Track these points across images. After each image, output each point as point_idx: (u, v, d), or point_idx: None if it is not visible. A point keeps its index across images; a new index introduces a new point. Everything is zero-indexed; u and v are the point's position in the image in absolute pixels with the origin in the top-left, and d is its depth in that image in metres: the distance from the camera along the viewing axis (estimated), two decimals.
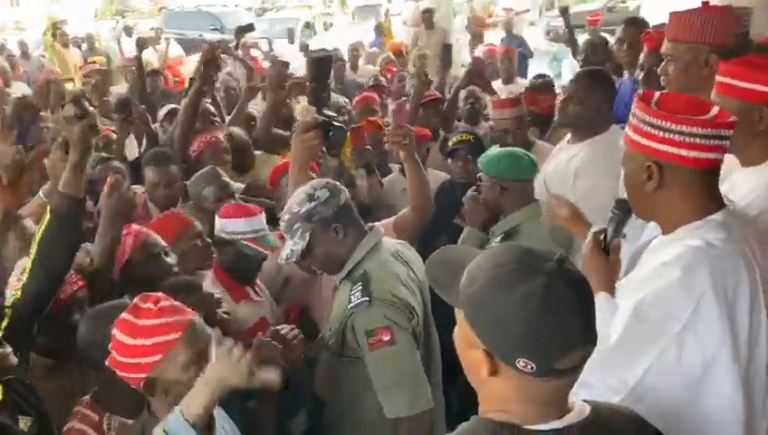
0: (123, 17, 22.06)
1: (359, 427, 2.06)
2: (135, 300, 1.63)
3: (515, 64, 5.98)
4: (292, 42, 11.87)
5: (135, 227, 2.37)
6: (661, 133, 1.47)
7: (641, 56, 3.37)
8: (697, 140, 1.46)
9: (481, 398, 1.15)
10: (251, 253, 2.44)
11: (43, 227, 1.89)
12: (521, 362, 1.03)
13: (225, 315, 2.17)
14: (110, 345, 1.60)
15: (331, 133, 2.17)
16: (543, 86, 4.18)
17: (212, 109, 4.05)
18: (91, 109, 1.85)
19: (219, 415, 1.64)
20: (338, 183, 2.14)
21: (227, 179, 3.06)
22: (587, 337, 1.06)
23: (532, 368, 1.03)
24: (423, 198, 2.58)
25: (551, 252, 1.09)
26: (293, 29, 12.65)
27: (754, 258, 1.54)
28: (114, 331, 1.59)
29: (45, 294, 1.92)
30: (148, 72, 6.14)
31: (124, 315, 1.59)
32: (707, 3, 2.42)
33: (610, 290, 1.65)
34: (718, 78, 1.93)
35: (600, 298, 1.60)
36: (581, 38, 5.99)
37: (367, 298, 1.96)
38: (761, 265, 1.56)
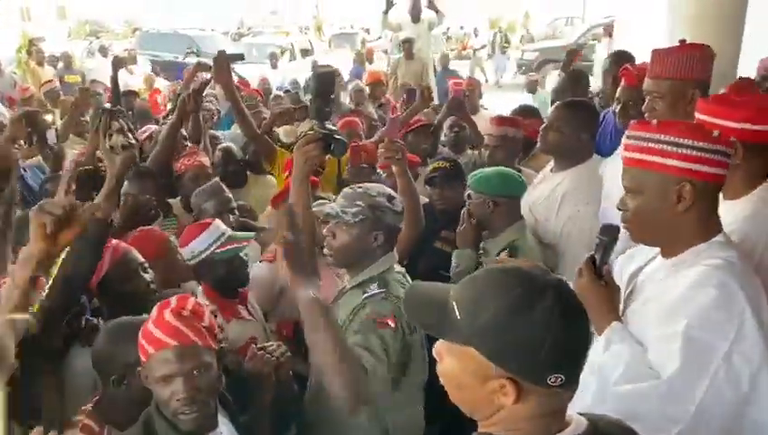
0: (97, 37, 21.91)
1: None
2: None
3: (478, 95, 6.12)
4: (275, 67, 11.89)
5: (114, 241, 2.36)
6: (690, 151, 1.50)
7: (618, 90, 3.46)
8: (719, 157, 1.52)
9: (487, 423, 1.12)
10: (228, 256, 2.45)
11: (69, 249, 1.86)
12: (551, 379, 1.03)
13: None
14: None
15: (332, 147, 2.21)
16: (529, 111, 4.29)
17: (183, 132, 4.11)
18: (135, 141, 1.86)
19: (226, 427, 1.69)
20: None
21: (229, 195, 3.14)
22: (589, 344, 1.11)
23: (562, 380, 1.04)
24: (415, 212, 2.62)
25: (538, 266, 1.13)
26: (276, 54, 12.62)
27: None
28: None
29: (59, 312, 1.95)
30: (124, 92, 6.13)
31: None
32: (685, 41, 2.53)
33: (617, 316, 1.65)
34: (697, 115, 2.00)
35: (616, 329, 1.61)
36: (553, 73, 6.16)
37: (383, 290, 2.01)
38: None
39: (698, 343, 1.47)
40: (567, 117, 2.94)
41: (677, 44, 2.51)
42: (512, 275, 1.09)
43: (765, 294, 1.59)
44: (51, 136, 4.11)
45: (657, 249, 1.71)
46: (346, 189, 2.17)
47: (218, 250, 2.45)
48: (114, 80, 5.60)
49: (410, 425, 2.20)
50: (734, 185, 1.98)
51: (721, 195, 2.01)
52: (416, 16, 8.25)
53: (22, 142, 3.93)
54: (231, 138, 4.88)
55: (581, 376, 1.09)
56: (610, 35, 14.05)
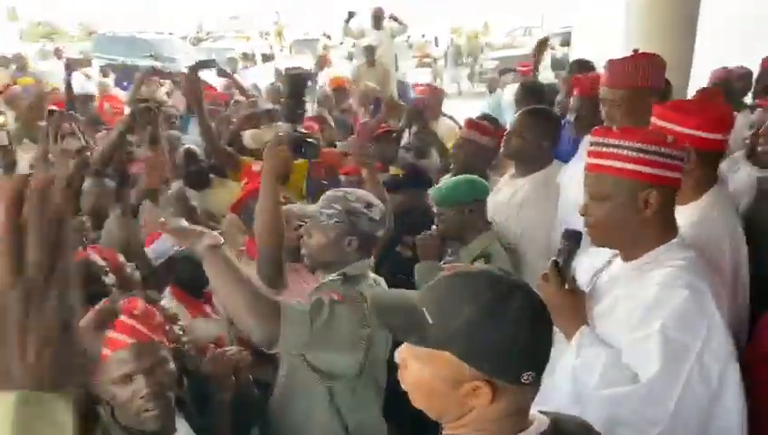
0: (51, 40, 21.39)
1: None
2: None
3: (439, 103, 6.18)
4: (234, 71, 11.76)
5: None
6: (655, 157, 1.53)
7: (571, 100, 3.52)
8: (678, 163, 1.57)
9: (454, 425, 1.12)
10: (187, 253, 2.41)
11: None
12: (524, 376, 1.05)
13: (180, 332, 2.15)
14: None
15: (303, 149, 2.20)
16: (490, 119, 4.34)
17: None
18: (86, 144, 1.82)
19: (183, 428, 1.68)
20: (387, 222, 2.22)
21: (193, 204, 3.20)
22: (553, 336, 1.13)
23: (533, 377, 1.06)
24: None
25: (500, 269, 1.15)
26: (235, 59, 12.51)
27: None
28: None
29: None
30: (80, 96, 5.99)
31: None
32: (638, 50, 2.61)
33: (585, 320, 1.67)
34: (653, 120, 2.06)
35: (585, 333, 1.63)
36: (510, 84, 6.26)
37: (342, 278, 2.00)
38: None
39: (674, 344, 1.49)
40: (530, 124, 2.98)
41: (631, 54, 2.59)
42: (480, 278, 1.10)
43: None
44: (2, 138, 4.00)
45: (614, 251, 1.74)
46: (329, 192, 2.18)
47: (178, 249, 2.47)
48: (68, 82, 5.49)
49: (372, 426, 2.21)
50: (683, 191, 2.03)
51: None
52: (377, 24, 8.30)
53: None
54: (194, 140, 4.82)
55: (553, 379, 1.11)
56: (568, 44, 14.38)
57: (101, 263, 2.34)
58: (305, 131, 2.23)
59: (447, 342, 1.06)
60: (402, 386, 1.16)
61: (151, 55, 14.54)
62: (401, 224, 3.22)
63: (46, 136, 3.43)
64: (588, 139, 1.72)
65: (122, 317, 1.62)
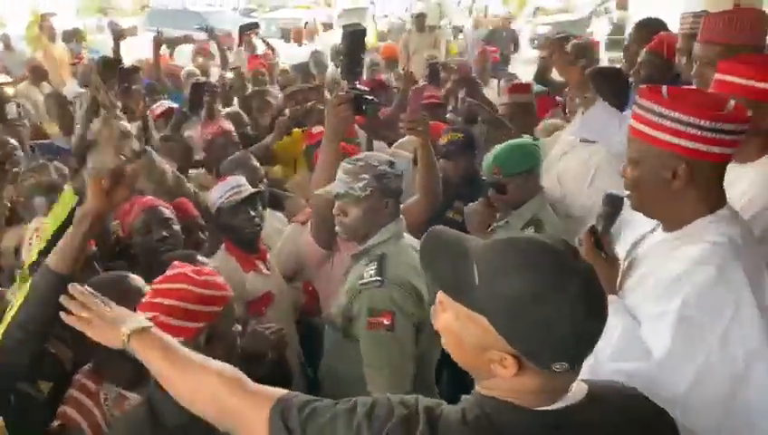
0: (106, 15, 21.81)
1: None
2: (179, 265, 1.71)
3: (489, 68, 6.04)
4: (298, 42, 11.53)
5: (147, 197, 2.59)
6: (692, 130, 1.44)
7: (640, 55, 3.39)
8: (723, 136, 1.46)
9: (486, 384, 1.11)
10: (230, 205, 2.52)
11: (21, 299, 1.63)
12: (556, 366, 1.02)
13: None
14: (157, 298, 1.62)
15: (364, 107, 2.19)
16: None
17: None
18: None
19: None
20: None
21: (256, 164, 3.21)
22: (602, 330, 1.06)
23: (566, 368, 1.03)
24: (433, 184, 2.63)
25: (569, 247, 1.07)
26: (293, 30, 12.24)
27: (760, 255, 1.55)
28: (173, 284, 1.63)
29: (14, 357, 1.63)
30: (127, 68, 6.09)
31: (181, 271, 1.67)
32: (738, 4, 2.47)
33: (614, 291, 1.63)
34: (718, 76, 1.96)
35: (612, 302, 1.56)
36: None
37: (379, 278, 2.00)
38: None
39: (692, 323, 1.44)
40: (600, 85, 2.85)
41: (731, 8, 2.46)
42: (543, 253, 1.04)
43: None
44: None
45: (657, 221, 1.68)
46: (345, 165, 2.15)
47: (225, 200, 2.53)
48: (116, 52, 5.58)
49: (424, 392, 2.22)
50: (748, 148, 1.96)
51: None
52: None
53: None
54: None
55: None
56: (624, 8, 13.85)
57: (167, 213, 2.53)
58: (363, 88, 2.21)
59: (488, 308, 1.03)
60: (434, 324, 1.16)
61: (203, 27, 14.67)
62: (452, 189, 3.19)
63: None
64: None
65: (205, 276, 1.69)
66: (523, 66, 9.33)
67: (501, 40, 9.14)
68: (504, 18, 11.04)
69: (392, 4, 19.12)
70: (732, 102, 1.53)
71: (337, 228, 2.21)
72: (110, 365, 1.81)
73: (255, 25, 5.76)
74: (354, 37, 2.20)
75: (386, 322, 1.96)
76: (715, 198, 1.55)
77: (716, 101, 1.53)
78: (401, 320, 1.99)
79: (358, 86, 2.20)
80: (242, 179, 2.67)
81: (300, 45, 10.62)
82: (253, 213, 2.54)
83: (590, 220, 2.67)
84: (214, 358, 1.33)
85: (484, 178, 2.78)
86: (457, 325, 1.08)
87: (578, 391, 1.12)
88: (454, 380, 2.68)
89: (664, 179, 1.50)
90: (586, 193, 2.77)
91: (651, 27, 3.62)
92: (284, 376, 2.18)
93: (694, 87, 2.32)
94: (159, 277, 1.69)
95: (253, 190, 2.59)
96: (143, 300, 1.65)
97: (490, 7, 18.69)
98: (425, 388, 2.22)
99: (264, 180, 3.21)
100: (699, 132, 1.44)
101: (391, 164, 2.14)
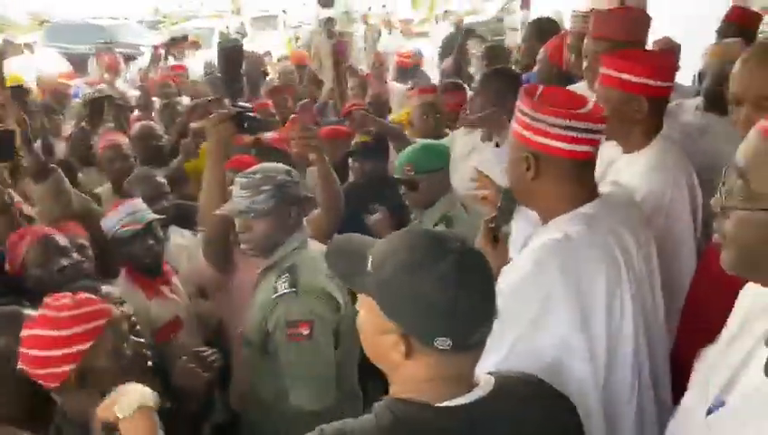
0: (1, 31, 20.67)
1: (285, 418, 2.05)
2: (45, 300, 1.59)
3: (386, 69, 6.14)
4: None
5: (38, 226, 2.40)
6: (539, 125, 1.51)
7: (539, 54, 3.53)
8: (572, 133, 1.50)
9: (392, 381, 1.15)
10: (126, 234, 2.42)
11: None
12: (439, 341, 1.05)
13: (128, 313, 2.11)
14: (20, 347, 1.54)
15: (245, 124, 2.16)
16: (453, 85, 4.36)
17: None
18: None
19: None
20: None
21: (161, 180, 3.11)
22: (492, 312, 1.10)
23: (449, 345, 1.05)
24: (334, 198, 2.55)
25: (455, 234, 1.15)
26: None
27: (625, 252, 1.56)
28: (31, 329, 1.53)
29: None
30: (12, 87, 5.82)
31: (42, 311, 1.55)
32: (624, 2, 2.61)
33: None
34: (602, 70, 2.07)
35: None
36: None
37: (294, 288, 1.98)
38: (645, 255, 1.63)
39: (503, 310, 1.44)
40: (492, 84, 2.96)
41: (617, 6, 2.59)
42: (422, 236, 1.13)
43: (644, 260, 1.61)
44: None
45: None
46: (240, 180, 2.09)
47: (121, 229, 2.43)
48: None
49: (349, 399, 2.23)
50: (633, 138, 2.08)
51: (621, 148, 2.14)
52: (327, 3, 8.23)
53: None
54: None
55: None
56: (528, 8, 14.32)
57: (62, 242, 2.33)
58: (246, 105, 2.18)
59: (375, 290, 1.09)
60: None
61: (107, 42, 14.16)
62: (365, 191, 3.24)
63: None
64: None
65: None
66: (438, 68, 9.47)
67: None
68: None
69: (304, 12, 19.05)
70: (591, 103, 1.59)
71: (243, 246, 2.16)
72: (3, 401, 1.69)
73: (184, 39, 5.62)
74: (230, 54, 2.17)
75: (304, 331, 1.95)
76: (572, 196, 1.56)
77: (575, 101, 1.58)
78: (320, 328, 1.98)
79: (240, 103, 2.17)
80: (138, 204, 2.56)
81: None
82: (151, 241, 2.45)
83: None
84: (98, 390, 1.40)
85: (396, 176, 2.82)
86: (362, 317, 1.15)
87: (485, 383, 1.15)
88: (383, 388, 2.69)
89: (521, 171, 1.56)
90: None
91: (543, 26, 3.78)
92: (207, 404, 2.12)
93: (566, 88, 2.45)
94: (26, 321, 1.58)
95: (149, 218, 2.48)
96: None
97: (399, 12, 18.92)
98: (350, 396, 2.24)
99: (169, 196, 3.10)
100: (549, 128, 1.50)
101: (288, 172, 2.12)
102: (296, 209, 2.11)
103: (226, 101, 2.15)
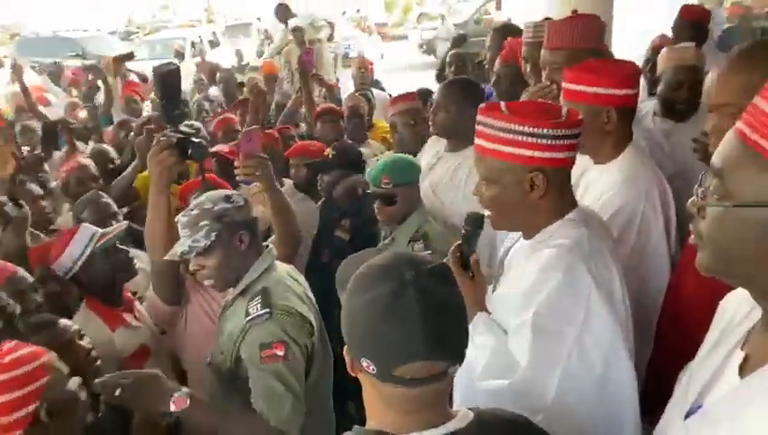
0: None
1: None
2: None
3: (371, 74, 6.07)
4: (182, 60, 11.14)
5: (0, 262, 2.23)
6: (544, 141, 1.46)
7: (495, 66, 3.50)
8: (570, 141, 1.50)
9: (367, 415, 1.16)
10: (108, 245, 2.35)
11: None
12: (364, 363, 1.07)
13: (88, 346, 2.01)
14: None
15: (189, 151, 2.07)
16: (428, 93, 4.29)
17: None
18: None
19: None
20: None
21: (108, 200, 3.01)
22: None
23: (374, 370, 1.06)
24: (289, 228, 2.42)
25: (430, 262, 1.09)
26: (180, 50, 11.83)
27: (611, 253, 1.60)
28: None
29: None
30: None
31: None
32: (576, 11, 2.58)
33: (482, 307, 1.64)
34: (565, 85, 2.03)
35: (479, 320, 1.59)
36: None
37: (267, 310, 1.91)
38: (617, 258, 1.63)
39: (546, 332, 1.45)
40: (451, 96, 2.92)
41: (570, 15, 2.56)
42: (391, 257, 1.12)
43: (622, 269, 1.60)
44: None
45: None
46: (180, 220, 2.01)
47: (98, 244, 2.34)
48: None
49: (323, 423, 2.18)
50: (605, 149, 2.05)
51: (591, 159, 2.11)
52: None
53: None
54: None
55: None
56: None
57: (30, 279, 2.23)
58: (189, 131, 2.09)
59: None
60: None
61: (78, 54, 13.97)
62: (336, 208, 3.17)
63: None
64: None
65: None
66: (417, 71, 9.46)
67: None
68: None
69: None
70: (565, 109, 1.58)
71: (206, 283, 2.10)
72: None
73: (131, 56, 5.52)
74: (167, 78, 2.07)
75: (279, 353, 1.88)
76: (565, 202, 1.58)
77: (554, 110, 1.57)
78: (294, 349, 1.93)
79: (182, 128, 2.07)
80: (91, 226, 2.45)
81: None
82: (122, 254, 2.38)
83: None
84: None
85: (369, 190, 2.72)
86: None
87: (462, 417, 1.12)
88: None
89: (522, 192, 1.51)
90: (461, 200, 2.79)
91: (505, 33, 3.75)
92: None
93: (524, 99, 2.41)
94: None
95: (115, 231, 2.40)
96: None
97: (372, 16, 18.92)
98: (323, 420, 2.19)
99: (118, 216, 2.99)
100: (547, 141, 1.47)
101: (227, 198, 2.02)
102: (246, 234, 2.01)
103: (166, 129, 2.03)
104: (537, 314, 1.46)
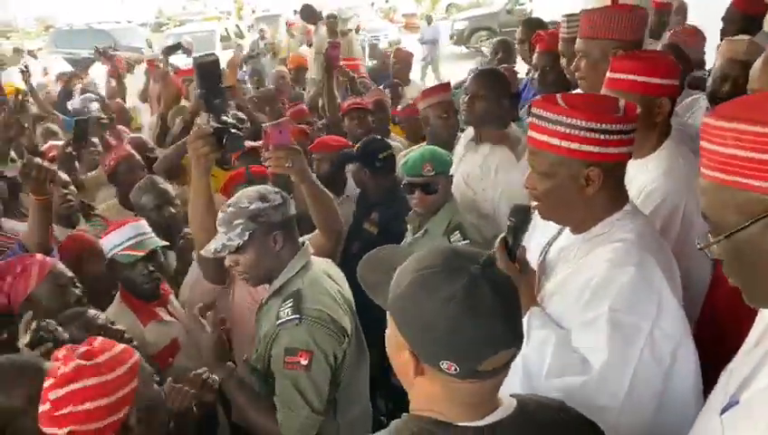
0: (7, 38, 20.82)
1: None
2: (65, 353, 1.43)
3: (410, 68, 6.00)
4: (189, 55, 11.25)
5: (39, 256, 2.25)
6: (602, 136, 1.43)
7: (534, 57, 3.44)
8: (627, 136, 1.47)
9: (411, 397, 1.14)
10: (126, 260, 2.35)
11: None
12: (444, 365, 1.02)
13: (121, 329, 2.05)
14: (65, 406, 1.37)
15: (225, 141, 2.07)
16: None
17: None
18: None
19: None
20: (288, 195, 2.06)
21: (165, 186, 3.07)
22: (511, 339, 1.04)
23: (456, 370, 1.02)
24: (329, 219, 2.36)
25: (479, 253, 1.08)
26: (190, 43, 11.95)
27: None
28: (78, 382, 1.37)
29: None
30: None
31: (78, 361, 1.39)
32: (616, 1, 2.49)
33: (534, 301, 1.61)
34: (611, 74, 1.96)
35: (535, 314, 1.57)
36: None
37: (297, 316, 1.90)
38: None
39: (623, 328, 1.43)
40: (486, 84, 2.91)
41: (609, 4, 2.48)
42: (441, 255, 1.08)
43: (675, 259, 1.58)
44: None
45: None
46: (219, 215, 2.01)
47: (122, 252, 2.35)
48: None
49: (360, 417, 2.17)
50: (649, 142, 1.99)
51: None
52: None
53: None
54: None
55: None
56: None
57: (69, 274, 2.24)
58: (229, 121, 2.08)
59: (392, 305, 1.09)
60: None
61: (111, 46, 14.15)
62: (365, 200, 3.14)
63: None
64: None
65: None
66: (448, 63, 9.37)
67: None
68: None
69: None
70: (622, 102, 1.54)
71: (240, 278, 2.10)
72: None
73: (178, 47, 5.53)
74: (206, 68, 2.06)
75: (303, 361, 1.88)
76: (620, 196, 1.56)
77: (611, 104, 1.53)
78: (319, 358, 1.91)
79: (222, 118, 2.07)
80: (143, 226, 2.48)
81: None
82: (152, 268, 2.38)
83: (498, 218, 2.74)
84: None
85: (408, 180, 2.66)
86: (388, 332, 1.13)
87: (507, 406, 1.11)
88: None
89: (578, 187, 1.48)
90: (491, 192, 2.79)
91: (533, 25, 3.68)
92: (210, 424, 2.04)
93: (582, 92, 2.33)
94: (51, 382, 1.39)
95: (151, 246, 2.41)
96: (42, 409, 1.39)
97: (402, 7, 18.80)
98: (361, 415, 2.17)
99: (175, 202, 3.04)
100: (606, 136, 1.44)
101: (263, 197, 1.99)
102: (280, 234, 1.99)
103: (205, 117, 2.03)
104: (613, 310, 1.44)
